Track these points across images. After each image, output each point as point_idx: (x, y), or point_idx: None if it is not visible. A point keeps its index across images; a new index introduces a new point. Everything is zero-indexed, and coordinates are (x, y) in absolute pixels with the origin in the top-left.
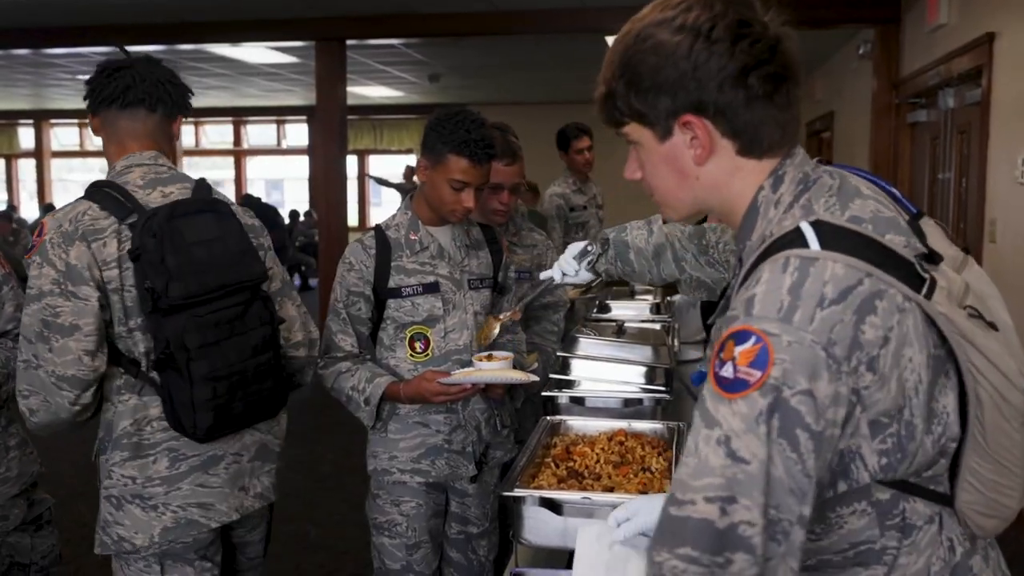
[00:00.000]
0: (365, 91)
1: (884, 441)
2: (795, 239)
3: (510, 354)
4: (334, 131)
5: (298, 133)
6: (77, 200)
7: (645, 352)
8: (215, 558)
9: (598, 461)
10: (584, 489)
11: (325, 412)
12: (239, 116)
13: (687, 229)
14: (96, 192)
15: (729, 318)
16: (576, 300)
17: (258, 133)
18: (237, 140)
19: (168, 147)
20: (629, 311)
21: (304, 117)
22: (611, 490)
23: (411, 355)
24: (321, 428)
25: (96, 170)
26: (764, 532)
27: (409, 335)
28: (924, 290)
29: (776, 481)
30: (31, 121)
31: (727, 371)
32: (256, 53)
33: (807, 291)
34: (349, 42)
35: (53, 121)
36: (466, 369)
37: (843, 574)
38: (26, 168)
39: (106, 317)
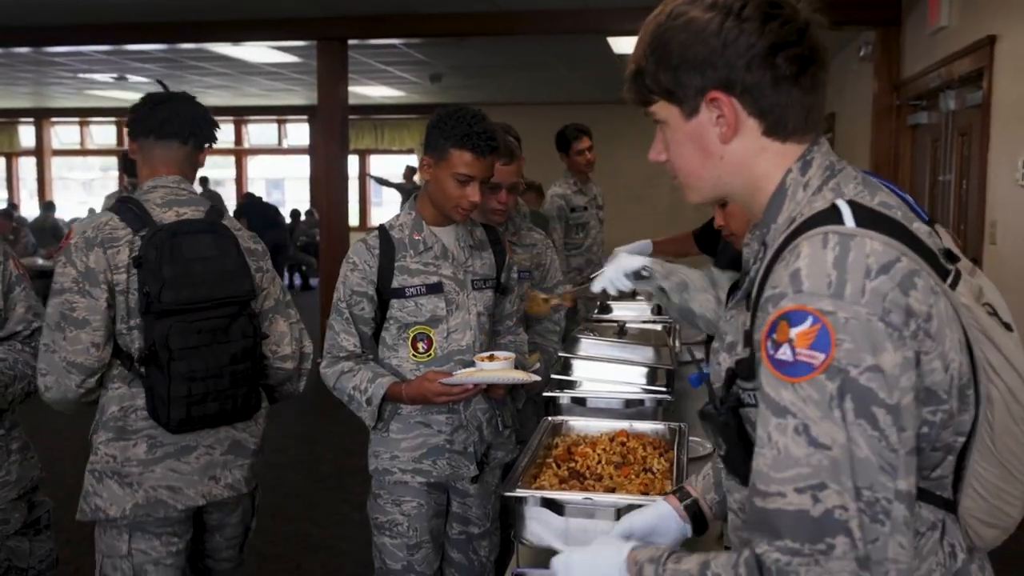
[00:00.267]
0: (366, 91)
1: (935, 413)
2: (831, 216)
3: (512, 354)
4: (335, 131)
5: (299, 132)
6: (103, 211)
7: (646, 353)
8: (184, 536)
9: (600, 462)
10: (586, 490)
11: (325, 412)
12: (240, 115)
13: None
14: (120, 206)
15: (775, 296)
16: (577, 300)
17: (259, 132)
18: (238, 139)
19: (192, 174)
20: (630, 312)
21: (305, 116)
22: (613, 491)
23: (414, 355)
24: (321, 428)
25: (96, 168)
26: (860, 514)
27: (412, 335)
28: (949, 280)
29: (863, 462)
30: (32, 119)
31: (785, 354)
32: (257, 52)
33: (852, 264)
34: (351, 42)
35: (54, 119)
36: (468, 369)
37: None
38: (26, 166)
39: (112, 315)
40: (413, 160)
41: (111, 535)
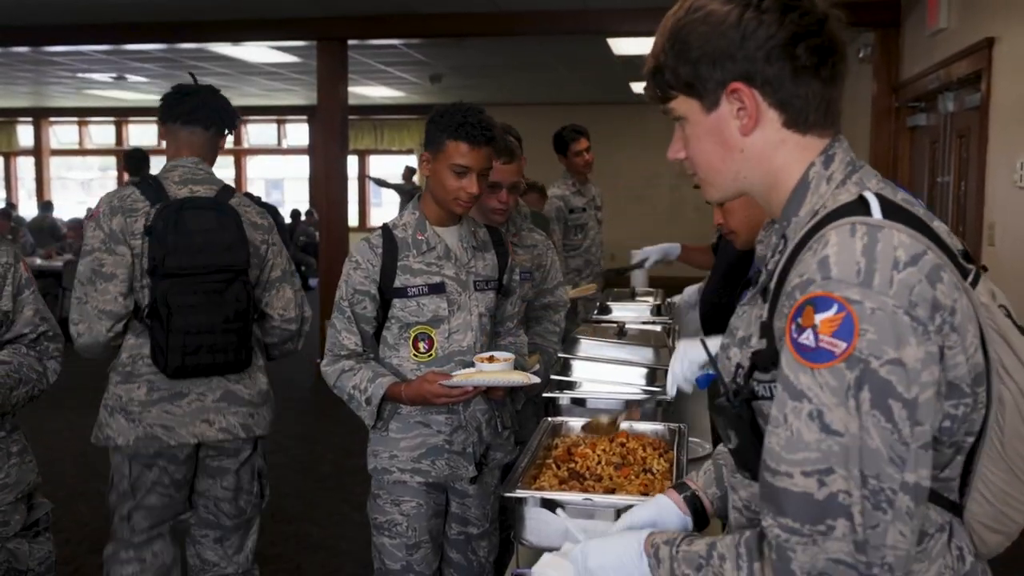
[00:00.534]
0: (366, 91)
1: (957, 407)
2: (858, 208)
3: (512, 355)
4: (335, 131)
5: (299, 133)
6: (127, 184)
7: (646, 353)
8: (177, 470)
9: (599, 462)
10: (585, 490)
11: (325, 412)
12: (239, 115)
13: None
14: (142, 182)
15: (803, 283)
16: (577, 301)
17: (258, 132)
18: (237, 139)
19: (212, 157)
20: (630, 312)
21: (305, 117)
22: (612, 491)
23: (414, 355)
24: (321, 428)
25: (95, 168)
26: (864, 500)
27: (413, 335)
28: (970, 279)
29: (873, 452)
30: (30, 119)
31: (808, 338)
32: (257, 52)
33: (881, 254)
34: (350, 42)
35: (52, 119)
36: (467, 371)
37: None
38: (25, 166)
39: (133, 270)
40: (412, 160)
41: (116, 461)
